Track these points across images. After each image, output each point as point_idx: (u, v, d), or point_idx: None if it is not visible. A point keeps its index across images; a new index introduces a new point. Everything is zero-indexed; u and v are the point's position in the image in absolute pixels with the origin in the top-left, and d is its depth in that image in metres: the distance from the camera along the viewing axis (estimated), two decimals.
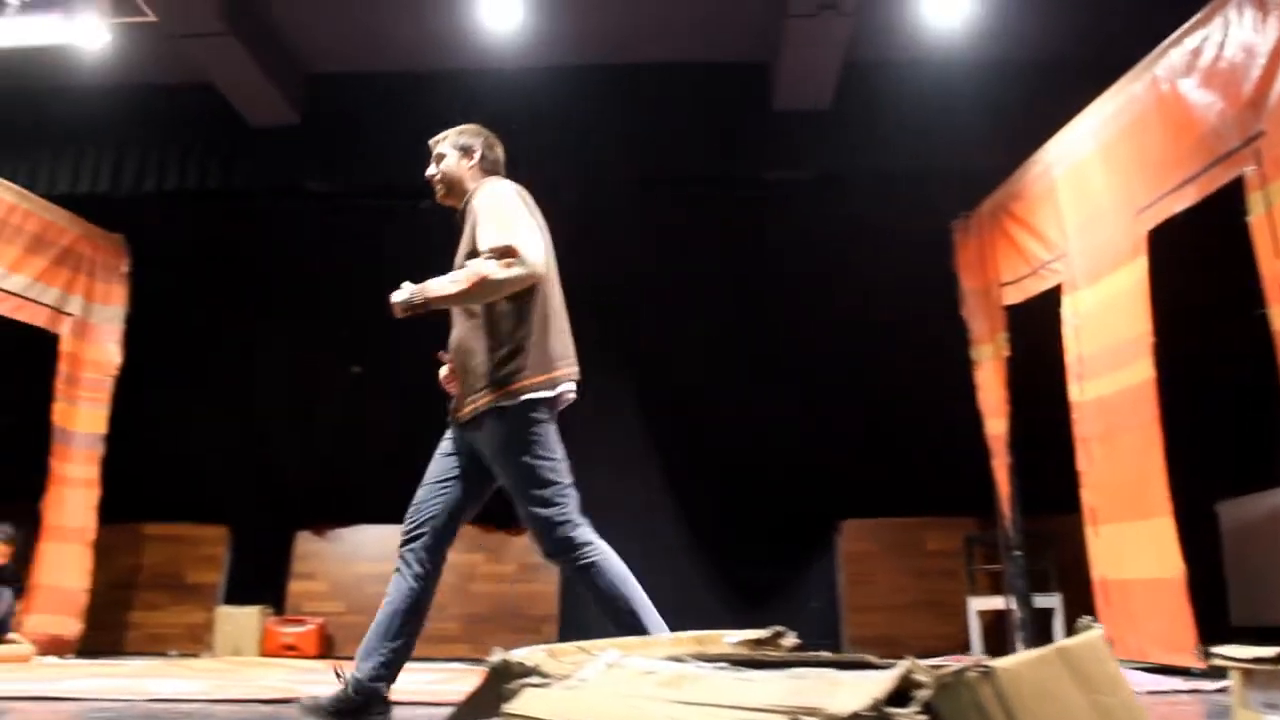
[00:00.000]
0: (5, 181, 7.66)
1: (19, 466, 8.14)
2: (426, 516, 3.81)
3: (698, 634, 2.24)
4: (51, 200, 8.02)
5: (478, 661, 7.86)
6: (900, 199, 8.18)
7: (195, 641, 8.89)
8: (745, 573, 8.60)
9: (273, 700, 4.58)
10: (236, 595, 9.03)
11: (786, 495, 8.63)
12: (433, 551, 3.71)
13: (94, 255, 8.42)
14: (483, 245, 3.58)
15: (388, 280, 8.98)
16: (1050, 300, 6.46)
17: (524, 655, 1.89)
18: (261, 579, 9.09)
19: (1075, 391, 6.14)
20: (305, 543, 9.21)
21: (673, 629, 3.39)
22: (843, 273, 8.57)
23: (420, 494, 3.87)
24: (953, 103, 7.62)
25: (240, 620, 8.71)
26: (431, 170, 4.16)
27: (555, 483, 3.63)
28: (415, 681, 5.70)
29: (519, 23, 7.01)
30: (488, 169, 4.06)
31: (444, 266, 9.13)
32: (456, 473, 3.80)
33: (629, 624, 3.45)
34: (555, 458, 3.65)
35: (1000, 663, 1.38)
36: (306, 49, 7.74)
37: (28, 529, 7.77)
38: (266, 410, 9.43)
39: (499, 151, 4.13)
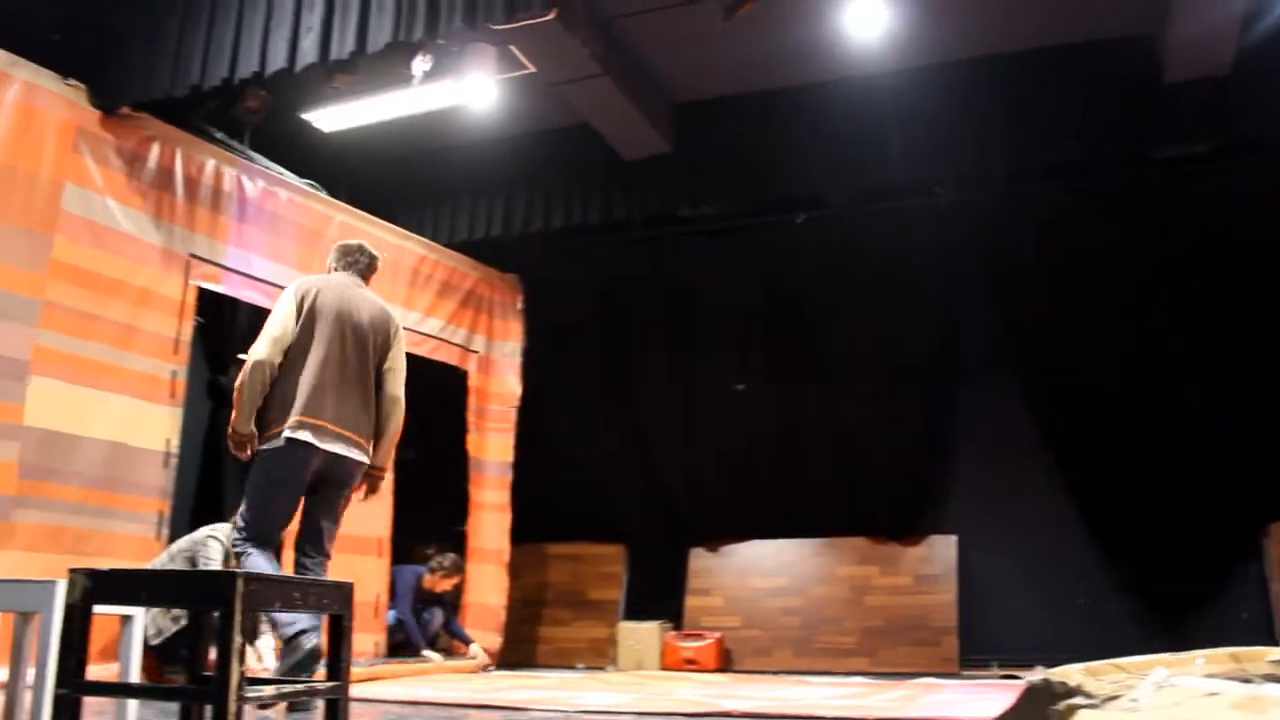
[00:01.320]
0: (415, 235, 8.48)
1: (448, 495, 8.96)
2: None
3: (1232, 650, 2.07)
4: (453, 248, 8.81)
5: (878, 675, 7.78)
6: None
7: (599, 655, 9.29)
8: (1159, 581, 7.96)
9: (697, 715, 4.68)
10: (635, 610, 9.39)
11: (1203, 496, 7.92)
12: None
13: (492, 295, 9.18)
14: None
15: (768, 297, 9.16)
16: None
17: (1062, 674, 1.82)
18: (659, 594, 9.40)
19: None
20: (699, 559, 9.43)
21: (1085, 641, 3.16)
22: (1253, 254, 7.83)
23: None
24: None
25: (641, 635, 9.03)
26: None
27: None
28: (825, 696, 5.69)
29: (884, 28, 6.89)
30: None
31: (820, 281, 9.15)
32: None
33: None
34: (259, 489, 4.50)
35: None
36: (673, 79, 7.97)
37: (457, 553, 8.50)
38: (658, 431, 9.79)
39: (334, 257, 5.05)
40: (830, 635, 8.76)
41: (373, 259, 5.03)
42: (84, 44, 6.41)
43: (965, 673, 8.06)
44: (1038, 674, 1.85)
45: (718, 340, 9.57)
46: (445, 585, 8.10)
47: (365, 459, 4.65)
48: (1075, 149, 7.49)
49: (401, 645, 7.96)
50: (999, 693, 5.74)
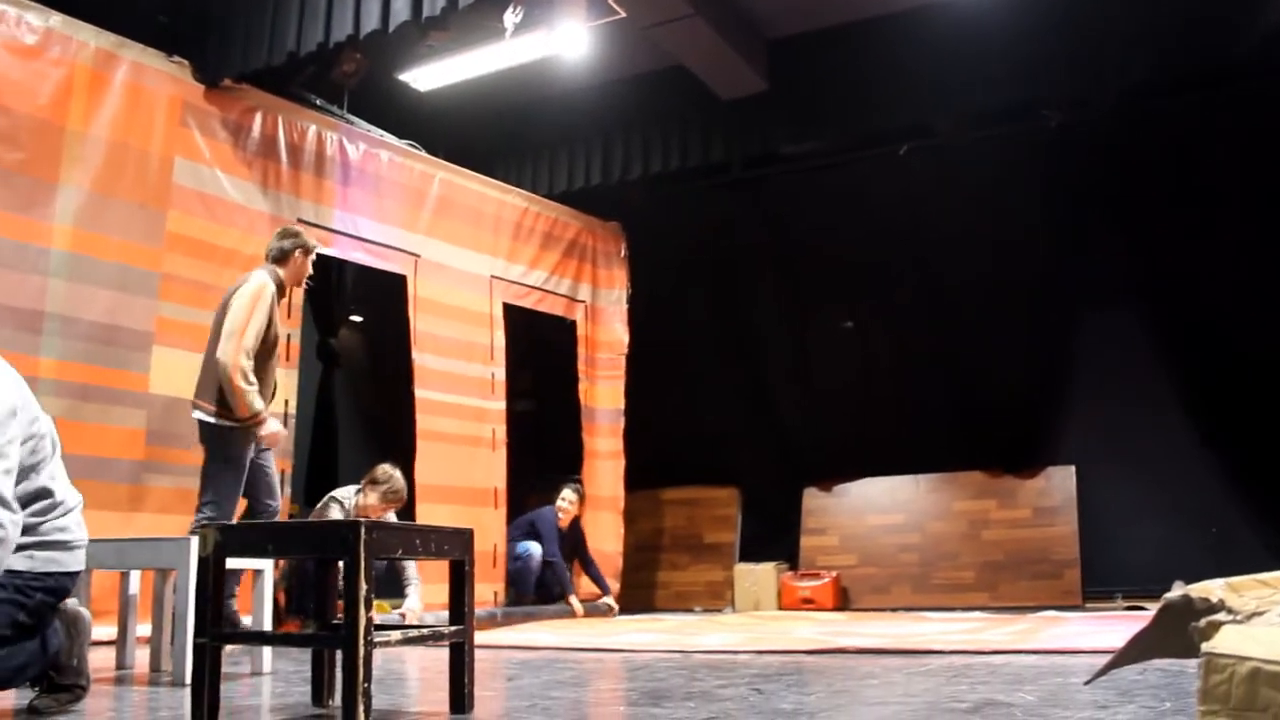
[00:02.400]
0: (516, 189, 8.54)
1: (562, 444, 9.11)
2: None
3: None
4: (554, 199, 8.84)
5: (998, 610, 7.70)
6: None
7: (716, 598, 9.37)
8: None
9: (815, 651, 4.70)
10: (751, 552, 9.45)
11: None
12: None
13: (595, 244, 9.23)
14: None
15: (875, 231, 8.99)
16: None
17: (1202, 589, 1.79)
18: (774, 536, 9.44)
19: None
20: (813, 498, 9.42)
21: (1214, 573, 3.10)
22: None
23: None
24: None
25: (757, 576, 9.08)
26: None
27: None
28: (944, 631, 5.66)
29: None
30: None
31: (927, 212, 8.97)
32: None
33: None
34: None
35: None
36: (765, 15, 7.83)
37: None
38: (768, 371, 9.78)
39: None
40: (948, 571, 8.69)
41: (278, 246, 5.43)
42: (186, 21, 6.56)
43: (1089, 605, 7.94)
44: (1177, 590, 1.80)
45: (825, 278, 9.49)
46: (572, 514, 8.13)
47: (199, 416, 5.04)
48: (1193, 62, 7.17)
49: (543, 589, 7.99)
50: (1124, 624, 5.65)
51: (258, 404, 5.00)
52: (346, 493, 6.24)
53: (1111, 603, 7.93)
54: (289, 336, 6.62)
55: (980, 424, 8.80)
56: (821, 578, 8.82)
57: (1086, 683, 3.14)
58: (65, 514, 2.98)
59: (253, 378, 4.99)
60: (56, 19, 5.69)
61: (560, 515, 8.08)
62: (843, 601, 8.83)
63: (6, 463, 2.66)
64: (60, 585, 2.94)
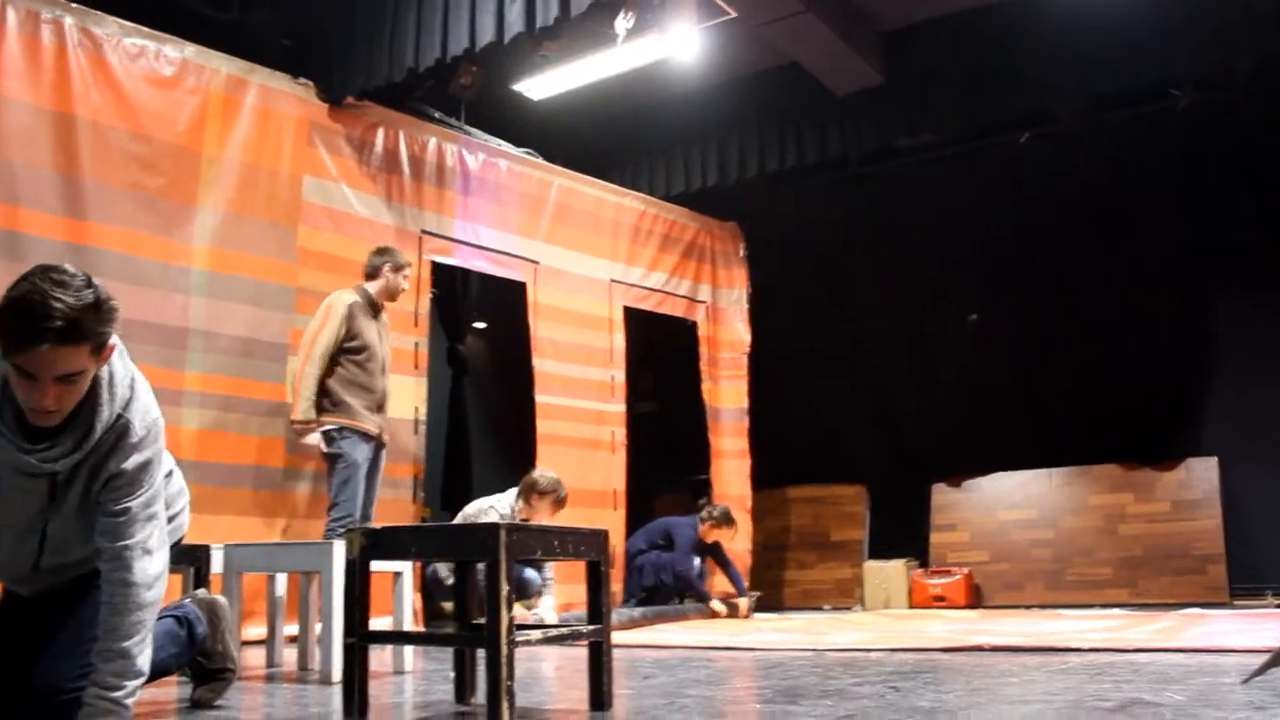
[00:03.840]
0: (633, 192, 8.61)
1: (686, 445, 9.17)
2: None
3: None
4: (671, 201, 8.88)
5: (1139, 607, 7.48)
6: None
7: (845, 596, 9.29)
8: None
9: (950, 649, 4.64)
10: (879, 550, 9.35)
11: None
12: None
13: (714, 244, 9.25)
14: None
15: (995, 222, 8.83)
16: None
17: None
18: (902, 532, 9.33)
19: None
20: (942, 494, 9.28)
21: None
22: None
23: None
24: None
25: (887, 574, 8.98)
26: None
27: None
28: (1083, 629, 5.53)
29: None
30: None
31: (1049, 200, 8.79)
32: None
33: None
34: None
35: None
36: (878, 7, 7.74)
37: (699, 499, 8.65)
38: (891, 367, 9.69)
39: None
40: (1084, 567, 8.48)
41: (369, 262, 5.87)
42: (309, 44, 6.78)
43: (1236, 602, 7.66)
44: None
45: (946, 271, 9.36)
46: (715, 536, 8.06)
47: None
48: None
49: (662, 596, 7.95)
50: (1277, 622, 5.45)
51: (303, 413, 5.49)
52: (499, 501, 6.32)
53: (1261, 600, 7.64)
54: (416, 345, 6.79)
55: (1114, 415, 8.56)
56: (953, 574, 8.69)
57: (1243, 682, 3.04)
58: (184, 510, 3.06)
59: (311, 386, 5.48)
60: (191, 49, 5.94)
61: (700, 529, 8.01)
62: (975, 599, 8.68)
63: (164, 514, 2.62)
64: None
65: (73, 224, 5.36)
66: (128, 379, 2.45)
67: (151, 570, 2.44)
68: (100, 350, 2.26)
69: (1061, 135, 8.67)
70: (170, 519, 2.69)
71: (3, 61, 5.21)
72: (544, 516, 6.18)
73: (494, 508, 6.31)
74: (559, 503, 6.20)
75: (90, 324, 2.18)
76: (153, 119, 5.73)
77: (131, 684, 2.37)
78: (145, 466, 2.46)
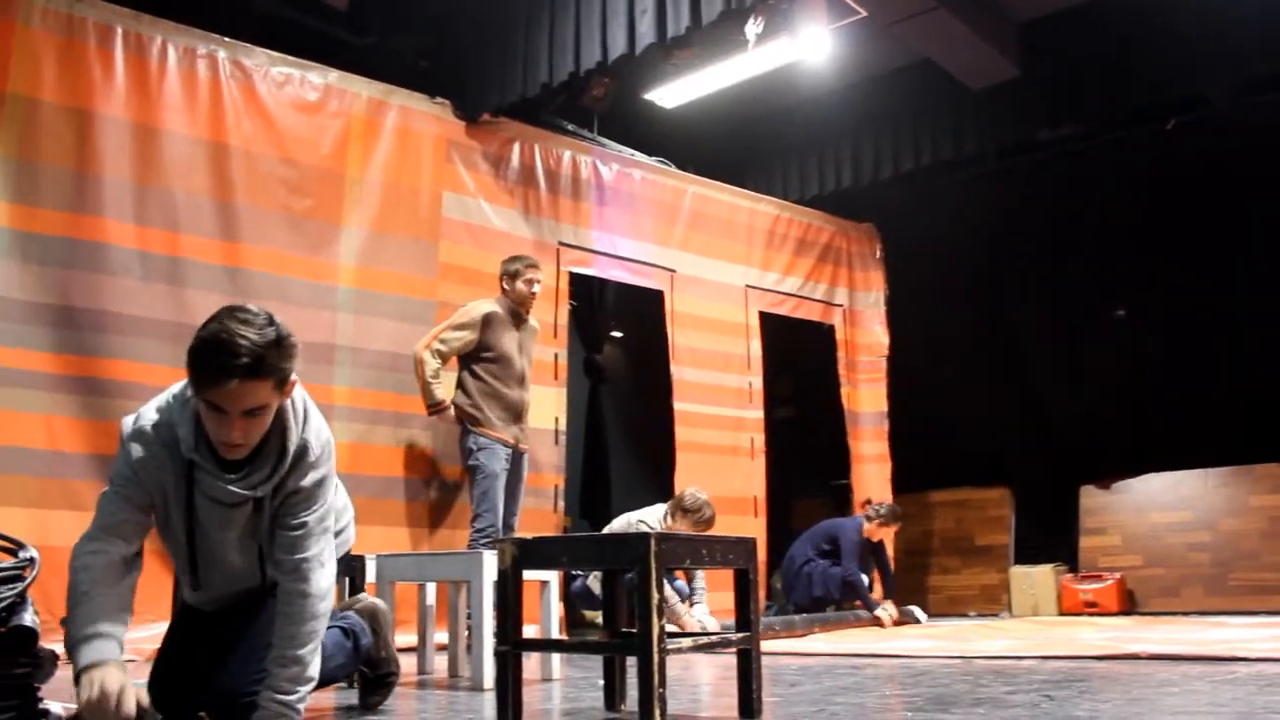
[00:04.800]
0: (767, 196, 8.60)
1: (825, 450, 9.10)
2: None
3: None
4: (805, 205, 8.85)
5: None
6: None
7: (991, 602, 9.07)
8: None
9: (1105, 657, 4.50)
10: (1026, 554, 9.10)
11: None
12: None
13: (850, 246, 9.19)
14: None
15: (1141, 213, 8.55)
16: None
17: None
18: (1049, 536, 9.08)
19: None
20: (1091, 496, 9.00)
21: None
22: None
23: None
24: None
25: (1035, 579, 8.75)
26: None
27: None
28: (1247, 637, 5.30)
29: None
30: None
31: (1199, 189, 8.49)
32: None
33: None
34: None
35: None
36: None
37: (837, 505, 8.56)
38: (1036, 366, 9.47)
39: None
40: (1247, 571, 8.11)
41: (500, 271, 6.00)
42: (445, 64, 6.97)
43: None
44: None
45: (1091, 265, 9.09)
46: (881, 534, 7.83)
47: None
48: None
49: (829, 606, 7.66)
50: None
51: (435, 395, 5.67)
52: (649, 514, 6.27)
53: None
54: (555, 356, 6.89)
55: (1275, 412, 8.17)
56: (1104, 580, 8.42)
57: None
58: (350, 524, 3.20)
59: (429, 374, 5.66)
60: (333, 75, 6.16)
61: (865, 527, 7.77)
62: (1129, 605, 8.39)
63: (334, 528, 2.77)
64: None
65: (228, 247, 5.63)
66: (302, 401, 2.60)
67: (324, 583, 2.57)
68: (283, 385, 2.41)
69: (1212, 120, 8.33)
70: (336, 533, 2.81)
71: (164, 96, 5.50)
72: None
73: (644, 522, 6.22)
74: (703, 523, 6.09)
75: (273, 360, 2.33)
76: (299, 144, 5.96)
77: (303, 689, 2.49)
78: (320, 483, 2.60)
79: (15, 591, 2.09)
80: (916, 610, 7.92)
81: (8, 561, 2.13)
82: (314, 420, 2.62)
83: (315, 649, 2.52)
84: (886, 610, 7.47)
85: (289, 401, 2.50)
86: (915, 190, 9.34)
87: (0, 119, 5.00)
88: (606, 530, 6.35)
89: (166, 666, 2.77)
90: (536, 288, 5.95)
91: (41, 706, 2.17)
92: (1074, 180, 9.07)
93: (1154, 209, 8.68)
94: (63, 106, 5.19)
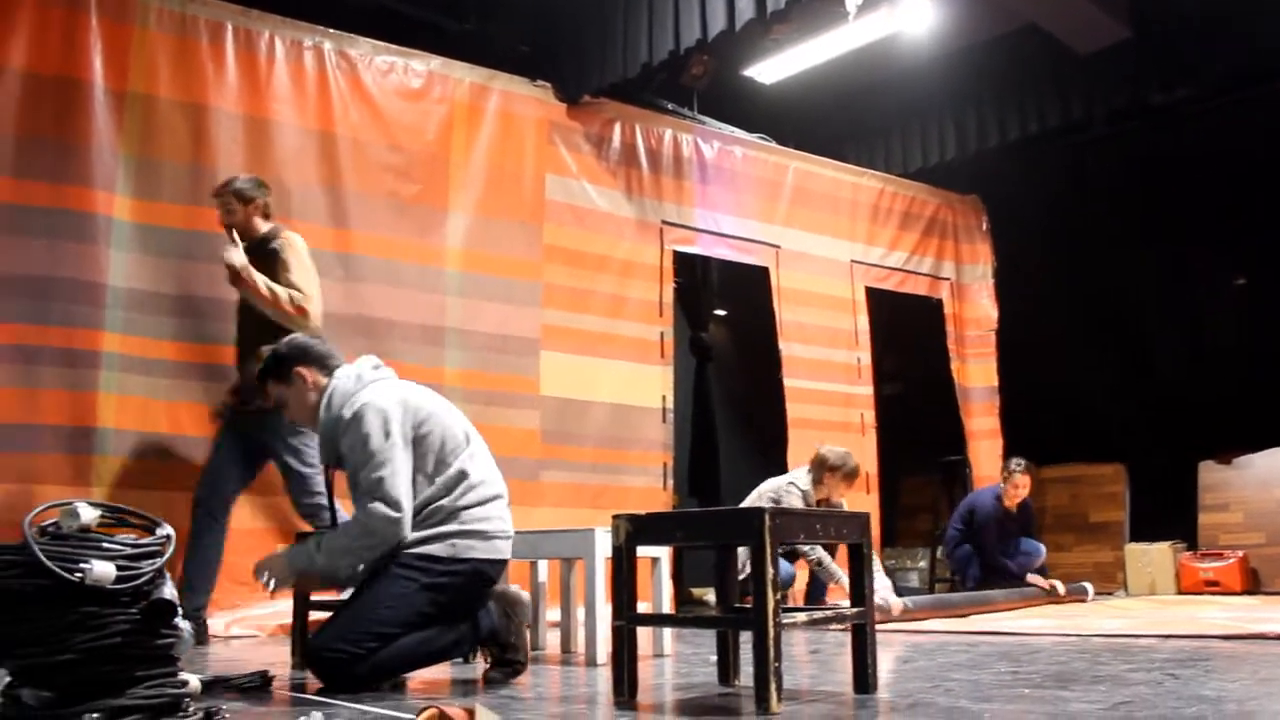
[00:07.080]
0: (870, 170, 8.50)
1: (934, 426, 9.03)
2: None
3: None
4: (909, 178, 8.72)
5: None
6: None
7: (1107, 580, 8.86)
8: None
9: (1231, 637, 4.38)
10: (1142, 532, 8.89)
11: None
12: None
13: (955, 219, 9.05)
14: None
15: (1260, 177, 8.23)
16: None
17: None
18: (1166, 513, 8.82)
19: None
20: (1211, 472, 8.73)
21: None
22: None
23: None
24: None
25: (1152, 557, 8.54)
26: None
27: None
28: None
29: None
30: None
31: None
32: None
33: None
34: None
35: None
36: None
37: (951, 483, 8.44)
38: (1151, 338, 9.21)
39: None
40: None
41: None
42: (544, 47, 7.01)
43: None
44: None
45: (1207, 233, 8.78)
46: (1019, 494, 7.39)
47: None
48: None
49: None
50: None
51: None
52: (796, 479, 6.06)
53: None
54: (662, 334, 6.93)
55: None
56: (1226, 558, 8.18)
57: None
58: (486, 502, 3.27)
59: None
60: (436, 62, 6.25)
61: (1005, 497, 7.41)
62: (1252, 584, 8.13)
63: (392, 465, 3.12)
64: (479, 570, 3.22)
65: (338, 233, 5.76)
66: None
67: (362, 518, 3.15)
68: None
69: None
70: (468, 534, 3.22)
71: (273, 88, 5.64)
72: (839, 493, 6.02)
73: (794, 484, 6.00)
74: (849, 476, 5.95)
75: None
76: (404, 130, 6.07)
77: (328, 555, 3.17)
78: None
79: (155, 566, 2.17)
80: (1087, 585, 7.70)
81: (147, 539, 2.22)
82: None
83: (347, 550, 3.16)
84: (1054, 583, 7.20)
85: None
86: (1020, 159, 9.12)
87: (121, 118, 5.19)
88: (747, 502, 6.11)
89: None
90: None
91: (181, 677, 2.26)
92: (1188, 145, 8.75)
93: (1273, 174, 8.37)
94: (178, 102, 5.37)
